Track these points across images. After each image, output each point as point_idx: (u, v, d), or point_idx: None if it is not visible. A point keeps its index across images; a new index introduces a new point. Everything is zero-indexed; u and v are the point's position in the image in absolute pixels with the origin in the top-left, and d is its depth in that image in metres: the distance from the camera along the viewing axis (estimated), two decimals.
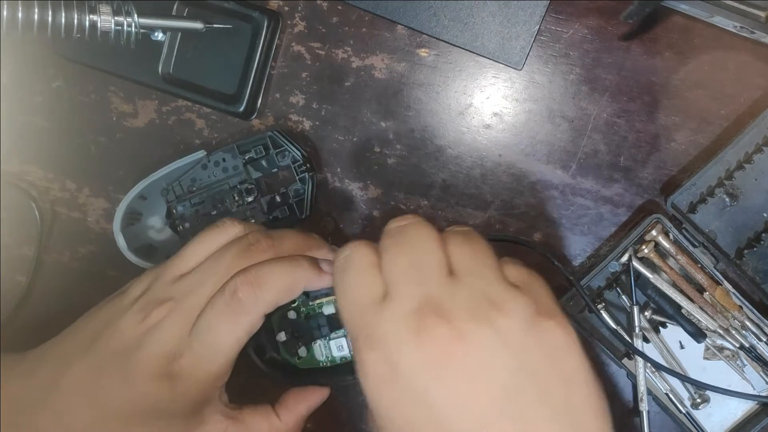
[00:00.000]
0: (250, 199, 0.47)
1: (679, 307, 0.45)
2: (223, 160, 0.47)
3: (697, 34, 0.44)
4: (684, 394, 0.46)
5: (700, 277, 0.44)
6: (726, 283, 0.44)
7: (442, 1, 0.45)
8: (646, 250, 0.44)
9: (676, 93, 0.45)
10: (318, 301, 0.41)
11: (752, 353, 0.44)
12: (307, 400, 0.40)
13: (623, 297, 0.46)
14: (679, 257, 0.44)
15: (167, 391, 0.36)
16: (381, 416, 0.30)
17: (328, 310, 0.41)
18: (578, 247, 0.47)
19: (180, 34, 0.46)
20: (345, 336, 0.41)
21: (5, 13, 0.38)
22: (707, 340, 0.45)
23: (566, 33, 0.45)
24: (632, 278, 0.45)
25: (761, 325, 0.44)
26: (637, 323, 0.45)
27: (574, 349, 0.30)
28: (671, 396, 0.45)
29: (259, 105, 0.47)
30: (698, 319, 0.44)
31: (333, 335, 0.41)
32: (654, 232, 0.44)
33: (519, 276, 0.32)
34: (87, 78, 0.49)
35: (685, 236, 0.44)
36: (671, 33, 0.44)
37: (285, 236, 0.39)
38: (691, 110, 0.45)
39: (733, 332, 0.44)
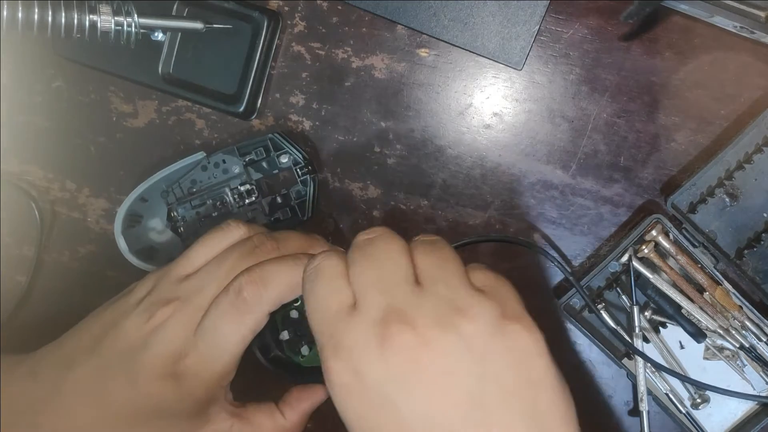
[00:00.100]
0: (250, 200, 0.47)
1: (679, 307, 0.45)
2: (223, 161, 0.47)
3: (697, 34, 0.44)
4: (684, 394, 0.46)
5: (700, 277, 0.44)
6: (726, 283, 0.44)
7: (442, 1, 0.45)
8: (646, 250, 0.44)
9: (676, 93, 0.45)
10: None
11: (752, 353, 0.44)
12: (310, 398, 0.40)
13: (623, 297, 0.46)
14: (679, 257, 0.44)
15: (172, 391, 0.36)
16: (349, 425, 0.30)
17: None
18: (578, 247, 0.47)
19: (180, 34, 0.46)
20: None
21: (5, 13, 0.38)
22: (707, 340, 0.45)
23: (566, 33, 0.45)
24: (632, 278, 0.45)
25: (761, 325, 0.44)
26: (637, 323, 0.45)
27: (540, 354, 0.30)
28: (671, 396, 0.45)
29: (259, 105, 0.47)
30: (698, 319, 0.44)
31: None
32: (654, 232, 0.44)
33: (486, 281, 0.32)
34: (87, 78, 0.49)
35: (685, 236, 0.44)
36: (671, 33, 0.44)
37: (289, 238, 0.39)
38: (691, 110, 0.45)
39: (733, 332, 0.44)
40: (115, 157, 0.50)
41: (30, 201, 0.50)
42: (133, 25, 0.42)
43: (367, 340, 0.29)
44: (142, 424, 0.36)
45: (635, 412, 0.47)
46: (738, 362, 0.46)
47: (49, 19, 0.39)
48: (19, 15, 0.38)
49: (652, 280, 0.44)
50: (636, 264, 0.44)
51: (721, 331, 0.44)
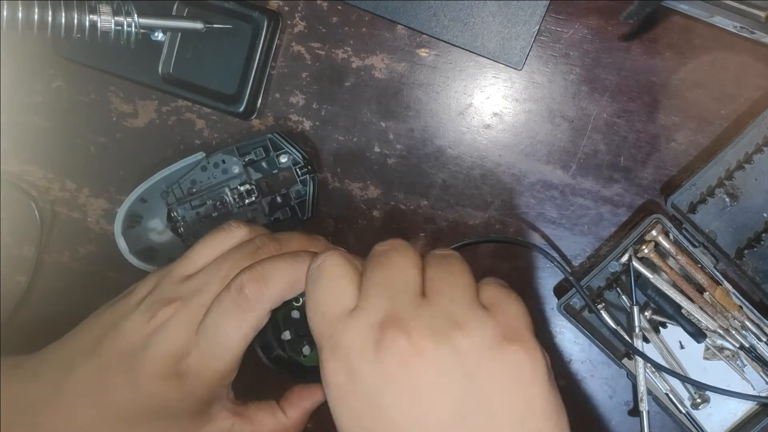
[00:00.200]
0: (250, 200, 0.47)
1: (679, 307, 0.45)
2: (223, 161, 0.47)
3: (697, 34, 0.44)
4: (684, 394, 0.46)
5: (700, 277, 0.44)
6: (726, 283, 0.44)
7: (442, 1, 0.45)
8: (646, 250, 0.44)
9: (676, 93, 0.45)
10: None
11: (752, 353, 0.44)
12: (311, 397, 0.41)
13: (623, 297, 0.46)
14: (679, 257, 0.44)
15: (175, 390, 0.36)
16: (342, 428, 0.30)
17: None
18: (578, 247, 0.47)
19: (180, 34, 0.46)
20: None
21: (5, 13, 0.38)
22: (707, 340, 0.45)
23: (566, 33, 0.45)
24: (632, 278, 0.45)
25: (761, 325, 0.44)
26: (637, 323, 0.45)
27: (536, 378, 0.29)
28: (671, 396, 0.45)
29: (259, 105, 0.47)
30: (698, 319, 0.44)
31: None
32: (654, 232, 0.44)
33: (494, 299, 0.31)
34: (87, 78, 0.49)
35: (685, 236, 0.44)
36: (671, 33, 0.44)
37: (291, 239, 0.40)
38: (691, 110, 0.45)
39: (733, 332, 0.44)
40: (115, 157, 0.50)
41: (30, 201, 0.50)
42: (133, 25, 0.42)
43: (364, 341, 0.29)
44: (143, 424, 0.36)
45: (635, 412, 0.47)
46: (738, 362, 0.46)
47: (49, 19, 0.39)
48: (19, 15, 0.38)
49: (652, 280, 0.44)
50: (636, 264, 0.44)
51: (721, 331, 0.44)
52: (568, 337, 0.48)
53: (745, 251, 0.44)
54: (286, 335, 0.42)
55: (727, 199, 0.44)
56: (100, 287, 0.51)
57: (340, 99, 0.48)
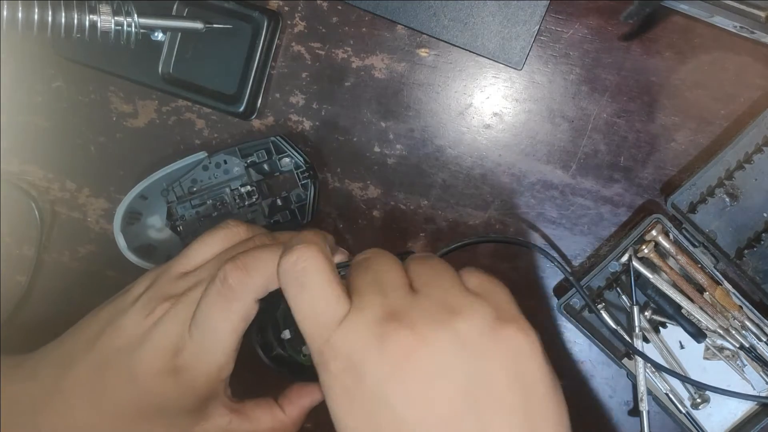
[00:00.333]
0: (250, 202, 0.47)
1: (679, 307, 0.45)
2: (225, 162, 0.47)
3: (697, 34, 0.44)
4: (684, 394, 0.46)
5: (700, 277, 0.44)
6: (726, 283, 0.44)
7: (442, 1, 0.45)
8: (646, 250, 0.44)
9: (676, 93, 0.45)
10: None
11: (752, 353, 0.44)
12: (311, 395, 0.40)
13: (623, 297, 0.46)
14: (679, 257, 0.44)
15: (172, 386, 0.36)
16: (347, 429, 0.30)
17: None
18: (578, 247, 0.47)
19: (180, 34, 0.46)
20: None
21: (5, 13, 0.38)
22: (707, 340, 0.45)
23: (566, 33, 0.45)
24: (632, 278, 0.45)
25: (761, 325, 0.44)
26: (637, 323, 0.45)
27: (534, 355, 0.30)
28: (671, 396, 0.45)
29: (259, 105, 0.47)
30: (698, 319, 0.44)
31: None
32: (654, 232, 0.44)
33: (480, 284, 0.32)
34: (87, 78, 0.49)
35: (685, 236, 0.44)
36: (671, 33, 0.44)
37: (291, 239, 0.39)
38: (691, 110, 0.45)
39: (733, 332, 0.44)
40: (115, 156, 0.50)
41: (30, 201, 0.50)
42: (133, 25, 0.42)
43: (367, 339, 0.29)
44: (141, 421, 0.36)
45: (635, 412, 0.47)
46: (738, 362, 0.46)
47: (49, 19, 0.39)
48: (19, 15, 0.38)
49: (652, 280, 0.44)
50: (636, 264, 0.44)
51: (721, 331, 0.44)
52: (568, 337, 0.48)
53: (745, 251, 0.44)
54: (286, 334, 0.42)
55: (727, 199, 0.44)
56: (99, 287, 0.51)
57: (340, 99, 0.48)
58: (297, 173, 0.47)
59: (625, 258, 0.45)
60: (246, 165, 0.46)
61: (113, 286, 0.41)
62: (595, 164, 0.46)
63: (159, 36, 0.46)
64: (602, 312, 0.45)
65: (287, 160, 0.47)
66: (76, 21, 0.40)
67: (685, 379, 0.44)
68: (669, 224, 0.44)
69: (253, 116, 0.48)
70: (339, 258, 0.40)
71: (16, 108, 0.50)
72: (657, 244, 0.45)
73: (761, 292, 0.44)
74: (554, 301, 0.47)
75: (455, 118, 0.47)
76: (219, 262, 0.38)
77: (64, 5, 0.40)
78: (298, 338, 0.42)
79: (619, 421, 0.48)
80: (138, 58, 0.46)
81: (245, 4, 0.45)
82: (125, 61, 0.47)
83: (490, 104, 0.47)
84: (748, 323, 0.44)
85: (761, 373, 0.45)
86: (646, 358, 0.44)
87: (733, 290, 0.44)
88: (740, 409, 0.46)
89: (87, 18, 0.40)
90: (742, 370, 0.45)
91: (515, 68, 0.46)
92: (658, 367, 0.44)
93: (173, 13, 0.46)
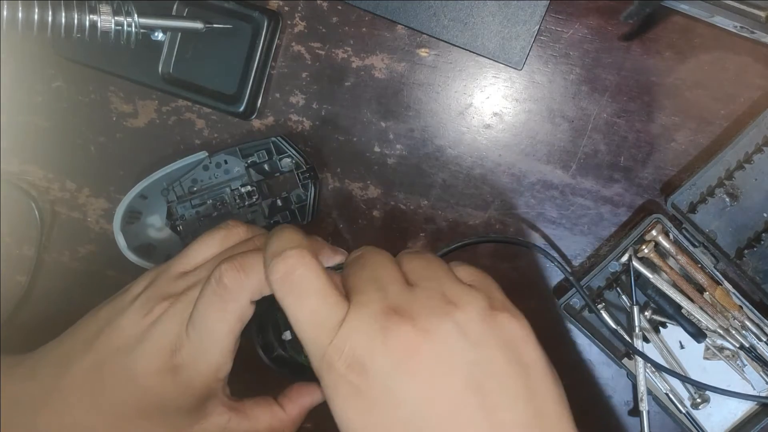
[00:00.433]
0: (250, 202, 0.47)
1: (679, 307, 0.45)
2: (225, 162, 0.47)
3: (697, 34, 0.44)
4: (684, 394, 0.46)
5: (700, 277, 0.44)
6: (726, 283, 0.44)
7: (442, 1, 0.45)
8: (646, 250, 0.44)
9: (676, 93, 0.45)
10: None
11: (752, 353, 0.44)
12: (311, 394, 0.40)
13: (623, 297, 0.46)
14: (679, 257, 0.44)
15: (170, 385, 0.36)
16: (352, 428, 0.30)
17: None
18: (578, 247, 0.47)
19: (180, 34, 0.46)
20: None
21: (5, 13, 0.38)
22: (707, 340, 0.45)
23: (566, 33, 0.45)
24: (632, 278, 0.45)
25: (761, 325, 0.44)
26: (637, 323, 0.45)
27: (529, 340, 0.31)
28: (671, 396, 0.45)
29: (259, 105, 0.47)
30: (698, 319, 0.44)
31: None
32: (654, 232, 0.44)
33: (471, 277, 0.34)
34: (87, 78, 0.49)
35: (685, 236, 0.44)
36: (671, 33, 0.44)
37: None
38: (691, 110, 0.45)
39: (733, 332, 0.44)
40: (115, 156, 0.50)
41: (30, 201, 0.50)
42: (133, 25, 0.42)
43: (370, 335, 0.30)
44: (140, 419, 0.36)
45: (635, 412, 0.47)
46: (738, 362, 0.46)
47: (49, 19, 0.39)
48: (19, 15, 0.38)
49: (652, 280, 0.44)
50: (636, 264, 0.44)
51: (721, 331, 0.44)
52: (568, 337, 0.48)
53: (745, 251, 0.44)
54: (287, 335, 0.41)
55: (727, 199, 0.44)
56: (99, 287, 0.51)
57: (340, 99, 0.48)
58: (297, 174, 0.47)
59: (625, 258, 0.45)
60: (246, 165, 0.46)
61: (113, 285, 0.41)
62: (595, 164, 0.46)
63: (159, 36, 0.46)
64: (602, 312, 0.45)
65: (288, 160, 0.47)
66: (76, 21, 0.40)
67: (685, 379, 0.44)
68: (669, 224, 0.44)
69: (253, 116, 0.48)
70: (339, 258, 0.40)
71: (16, 108, 0.50)
72: (657, 244, 0.45)
73: (761, 292, 0.44)
74: (554, 301, 0.47)
75: (455, 118, 0.47)
76: (218, 262, 0.38)
77: (64, 5, 0.40)
78: (298, 340, 0.42)
79: (619, 421, 0.48)
80: (138, 58, 0.46)
81: (245, 4, 0.45)
82: (125, 61, 0.47)
83: (490, 104, 0.47)
84: (748, 323, 0.44)
85: (761, 373, 0.45)
86: (646, 358, 0.44)
87: (733, 290, 0.44)
88: (740, 409, 0.46)
89: (87, 18, 0.40)
90: (742, 370, 0.46)
91: (515, 68, 0.46)
92: (658, 367, 0.44)
93: (173, 13, 0.46)
